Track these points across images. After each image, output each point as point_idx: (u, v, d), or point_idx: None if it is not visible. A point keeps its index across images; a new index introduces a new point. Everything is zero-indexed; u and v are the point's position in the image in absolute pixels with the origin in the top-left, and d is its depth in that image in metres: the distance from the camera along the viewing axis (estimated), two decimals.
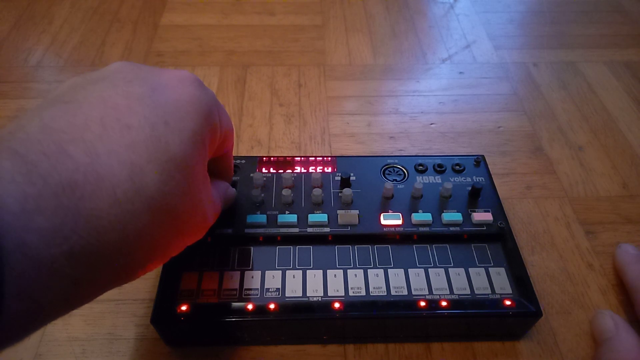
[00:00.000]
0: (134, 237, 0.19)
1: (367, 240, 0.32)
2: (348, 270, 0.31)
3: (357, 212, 0.33)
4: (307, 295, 0.30)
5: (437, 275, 0.31)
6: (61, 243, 0.16)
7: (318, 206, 0.34)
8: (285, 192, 0.34)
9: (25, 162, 0.16)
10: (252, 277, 0.30)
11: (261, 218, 0.33)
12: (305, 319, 0.29)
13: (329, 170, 0.36)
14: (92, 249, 0.18)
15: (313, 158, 0.37)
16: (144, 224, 0.19)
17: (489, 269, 0.31)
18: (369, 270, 0.31)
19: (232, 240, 0.32)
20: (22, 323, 0.16)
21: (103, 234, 0.18)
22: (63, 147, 0.17)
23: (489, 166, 0.37)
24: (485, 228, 0.33)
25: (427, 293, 0.30)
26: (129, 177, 0.18)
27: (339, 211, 0.33)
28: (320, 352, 0.31)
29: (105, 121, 0.19)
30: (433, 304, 0.29)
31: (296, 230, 0.32)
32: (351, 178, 0.35)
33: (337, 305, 0.29)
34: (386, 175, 0.36)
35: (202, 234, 0.25)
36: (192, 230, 0.24)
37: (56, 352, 0.30)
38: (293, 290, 0.30)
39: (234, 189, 0.33)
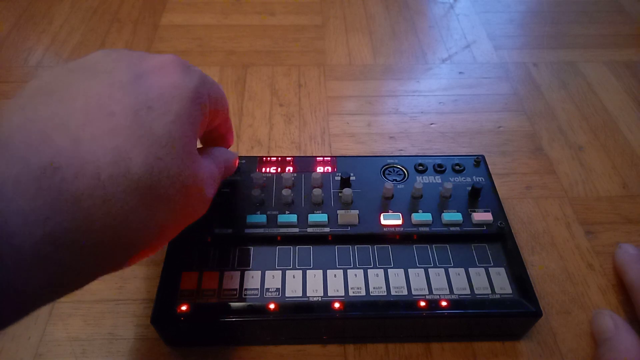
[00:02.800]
0: (122, 221, 0.19)
1: (367, 240, 0.32)
2: (348, 270, 0.31)
3: (357, 212, 0.33)
4: (307, 295, 0.30)
5: (437, 275, 0.31)
6: (43, 224, 0.16)
7: (318, 206, 0.34)
8: (285, 192, 0.34)
9: (6, 148, 0.17)
10: (252, 277, 0.30)
11: (261, 218, 0.33)
12: (305, 319, 0.29)
13: (329, 170, 0.36)
14: (77, 232, 0.18)
15: (313, 158, 0.37)
16: (131, 207, 0.19)
17: (489, 269, 0.31)
18: (369, 270, 0.31)
19: (232, 240, 0.32)
20: (7, 307, 0.16)
21: (88, 217, 0.18)
22: (46, 134, 0.18)
23: (489, 166, 0.37)
24: (485, 228, 0.33)
25: (427, 293, 0.30)
26: (114, 161, 0.19)
27: (339, 211, 0.33)
28: (320, 352, 0.31)
29: (88, 109, 0.19)
30: (433, 304, 0.29)
31: (296, 230, 0.32)
32: (351, 178, 0.35)
33: (337, 305, 0.29)
34: (386, 175, 0.36)
35: (203, 210, 0.25)
36: (189, 209, 0.24)
37: (56, 352, 0.30)
38: (293, 290, 0.30)
39: (234, 153, 0.32)
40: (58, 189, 0.17)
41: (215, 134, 0.30)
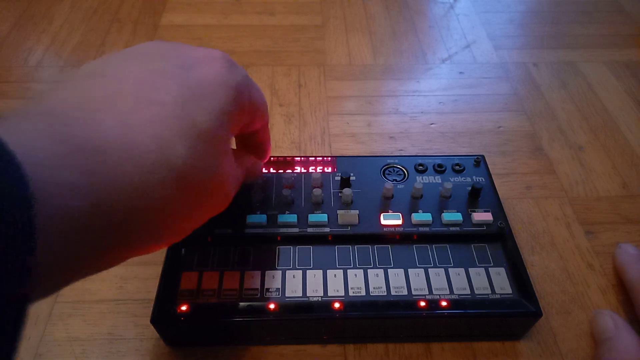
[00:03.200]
0: (159, 207, 0.20)
1: (367, 240, 0.32)
2: (348, 270, 0.31)
3: (357, 212, 0.33)
4: (307, 295, 0.30)
5: (437, 275, 0.31)
6: (89, 198, 0.17)
7: (318, 206, 0.34)
8: (285, 192, 0.34)
9: (58, 123, 0.17)
10: (252, 277, 0.30)
11: (261, 218, 0.33)
12: (305, 319, 0.29)
13: (329, 170, 0.36)
14: (118, 212, 0.18)
15: (313, 158, 0.37)
16: (168, 195, 0.20)
17: (489, 269, 0.31)
18: (369, 270, 0.31)
19: (232, 240, 0.32)
20: (49, 275, 0.17)
21: (129, 200, 0.18)
22: (96, 115, 0.18)
23: (489, 166, 0.37)
24: (485, 228, 0.33)
25: (427, 293, 0.30)
26: (158, 149, 0.19)
27: (339, 211, 0.33)
28: (320, 352, 0.31)
29: (137, 95, 0.20)
30: (433, 304, 0.29)
31: (296, 230, 0.32)
32: (351, 178, 0.35)
33: (337, 305, 0.29)
34: (386, 175, 0.36)
35: (224, 207, 0.25)
36: (214, 204, 0.24)
37: (56, 352, 0.30)
38: (293, 290, 0.30)
39: (261, 163, 0.32)
40: (104, 170, 0.18)
41: (253, 141, 0.30)
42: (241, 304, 0.29)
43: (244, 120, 0.26)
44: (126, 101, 0.19)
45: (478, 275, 0.31)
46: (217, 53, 0.24)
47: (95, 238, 0.18)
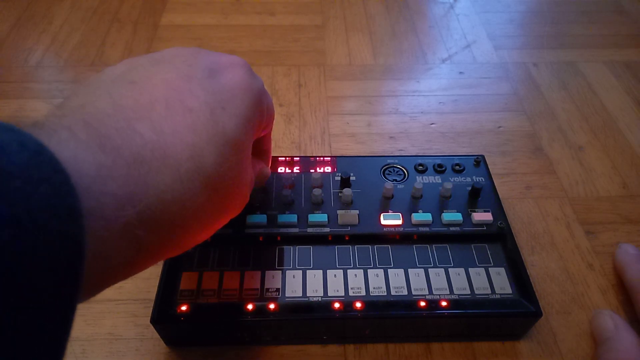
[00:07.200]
0: (192, 213, 0.20)
1: (367, 240, 0.32)
2: (348, 270, 0.31)
3: (357, 212, 0.33)
4: (307, 295, 0.30)
5: (437, 275, 0.31)
6: (132, 208, 0.17)
7: (318, 206, 0.34)
8: (286, 192, 0.34)
9: (98, 135, 0.17)
10: (252, 277, 0.30)
11: (261, 218, 0.33)
12: (305, 319, 0.29)
13: (329, 170, 0.36)
14: (157, 219, 0.19)
15: (313, 158, 0.37)
16: (201, 202, 0.20)
17: (489, 269, 0.31)
18: (369, 270, 0.31)
19: (232, 240, 0.32)
20: (96, 280, 0.17)
21: (167, 207, 0.19)
22: (132, 124, 0.18)
23: (489, 166, 0.37)
24: (485, 228, 0.33)
25: (427, 293, 0.30)
26: (191, 157, 0.19)
27: (339, 211, 0.33)
28: (320, 352, 0.31)
29: (169, 102, 0.20)
30: (433, 304, 0.29)
31: (296, 230, 0.32)
32: (351, 178, 0.35)
33: (337, 305, 0.29)
34: (386, 175, 0.36)
35: (241, 210, 0.26)
36: (236, 208, 0.25)
37: None
38: (293, 290, 0.30)
39: (268, 168, 0.32)
40: (144, 180, 0.18)
41: (259, 148, 0.30)
42: (241, 304, 0.29)
43: (261, 127, 0.26)
44: (158, 109, 0.19)
45: (478, 275, 0.31)
46: (239, 60, 0.25)
47: (137, 245, 0.18)
